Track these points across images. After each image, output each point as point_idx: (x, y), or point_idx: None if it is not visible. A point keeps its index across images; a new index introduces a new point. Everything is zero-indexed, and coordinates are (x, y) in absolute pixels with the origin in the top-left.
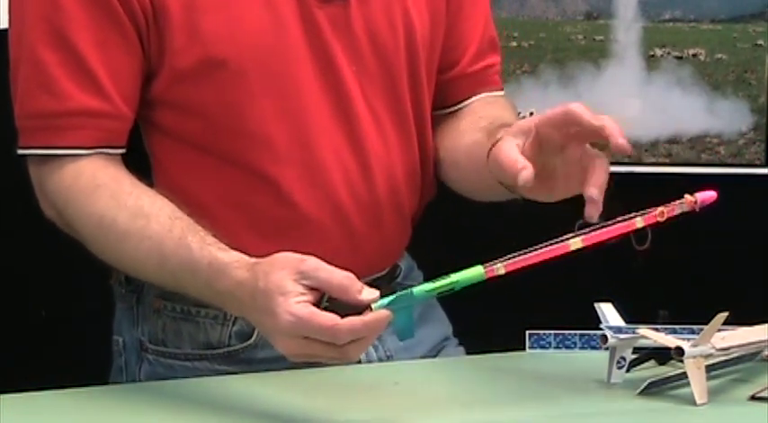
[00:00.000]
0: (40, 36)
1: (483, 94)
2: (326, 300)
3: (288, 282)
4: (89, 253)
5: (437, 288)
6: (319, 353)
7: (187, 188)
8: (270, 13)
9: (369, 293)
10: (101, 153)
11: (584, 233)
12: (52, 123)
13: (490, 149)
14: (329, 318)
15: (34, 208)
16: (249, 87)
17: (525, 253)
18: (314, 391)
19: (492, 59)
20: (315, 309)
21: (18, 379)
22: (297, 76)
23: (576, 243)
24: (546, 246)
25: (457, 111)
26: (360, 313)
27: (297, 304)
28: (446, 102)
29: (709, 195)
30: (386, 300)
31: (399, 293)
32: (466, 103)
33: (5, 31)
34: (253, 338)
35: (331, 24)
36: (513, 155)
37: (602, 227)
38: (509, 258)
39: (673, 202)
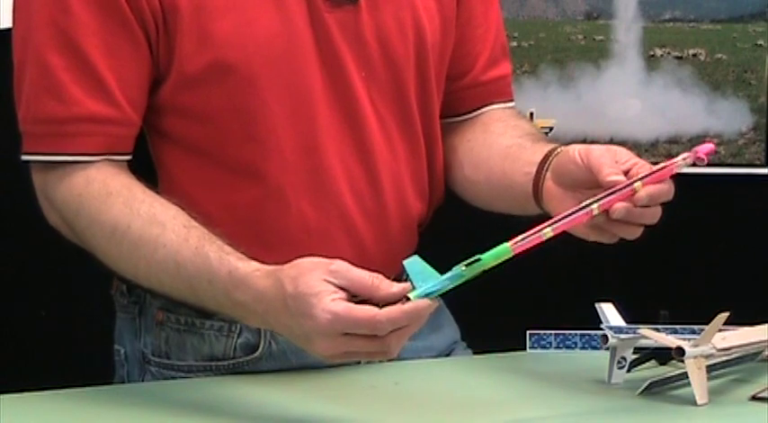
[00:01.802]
0: (48, 40)
1: (499, 105)
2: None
3: (319, 282)
4: (89, 253)
5: (464, 264)
6: (360, 348)
7: (193, 198)
8: (280, 18)
9: (400, 286)
10: (108, 160)
11: (596, 200)
12: (59, 129)
13: (554, 153)
14: (367, 310)
15: (34, 209)
16: (259, 93)
17: (547, 224)
18: (315, 392)
19: (505, 68)
20: (350, 304)
21: (18, 379)
22: (306, 81)
23: (596, 209)
24: (569, 213)
25: (471, 118)
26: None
27: (332, 302)
28: (459, 109)
29: (706, 147)
30: (420, 289)
31: (432, 283)
32: (481, 111)
33: (9, 30)
34: (258, 351)
35: (341, 29)
36: (608, 159)
37: (610, 194)
38: (532, 232)
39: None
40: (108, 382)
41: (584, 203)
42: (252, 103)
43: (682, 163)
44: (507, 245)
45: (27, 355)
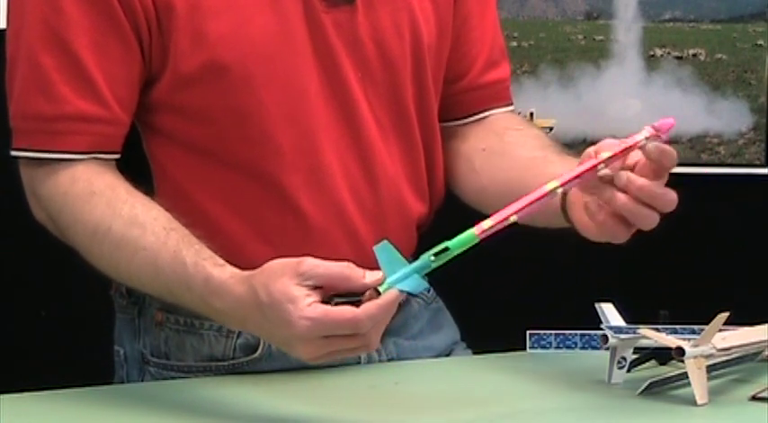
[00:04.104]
0: (39, 38)
1: (500, 110)
2: (333, 302)
3: (291, 287)
4: None
5: (432, 253)
6: (342, 346)
7: (191, 195)
8: (276, 18)
9: (372, 276)
10: (95, 158)
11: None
12: (47, 127)
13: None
14: (345, 310)
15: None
16: (255, 92)
17: (507, 206)
18: (314, 392)
19: (503, 71)
20: (327, 307)
21: (18, 379)
22: (302, 81)
23: (551, 184)
24: (524, 195)
25: (474, 123)
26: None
27: (308, 307)
28: (458, 113)
29: (666, 122)
30: (390, 279)
31: (401, 273)
32: (481, 115)
33: (5, 31)
34: (258, 352)
35: (337, 30)
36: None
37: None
38: (493, 213)
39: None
40: (108, 383)
41: (546, 186)
42: (248, 102)
43: (644, 142)
44: (473, 232)
45: (27, 355)
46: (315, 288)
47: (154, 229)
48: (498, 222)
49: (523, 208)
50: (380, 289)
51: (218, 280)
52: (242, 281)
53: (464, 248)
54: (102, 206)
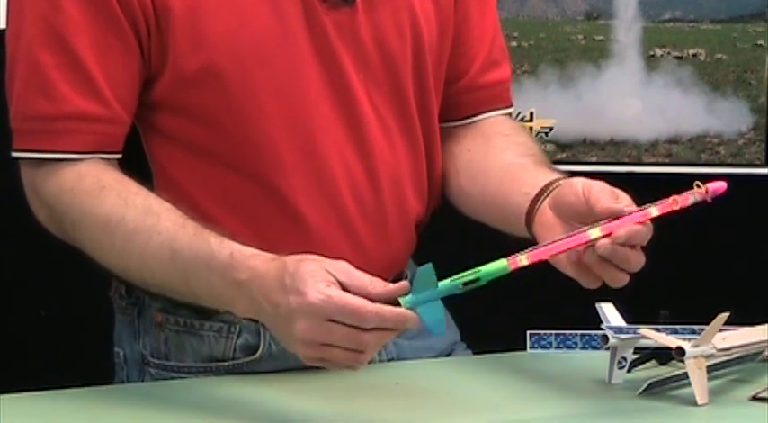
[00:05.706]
0: (39, 37)
1: (498, 112)
2: None
3: (320, 269)
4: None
5: (462, 278)
6: (339, 340)
7: (190, 194)
8: (276, 19)
9: (398, 284)
10: (97, 158)
11: (603, 223)
12: (48, 127)
13: (558, 181)
14: (358, 299)
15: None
16: (254, 94)
17: (546, 244)
18: (314, 392)
19: (503, 72)
20: (343, 291)
21: (18, 379)
22: (303, 83)
23: (594, 232)
24: (566, 237)
25: (470, 125)
26: None
27: (326, 287)
28: (457, 114)
29: (719, 185)
30: (410, 298)
31: (427, 295)
32: (479, 118)
33: (4, 31)
34: (258, 352)
35: (338, 31)
36: (608, 193)
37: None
38: (531, 249)
39: (685, 192)
40: (108, 383)
41: (588, 233)
42: (247, 104)
43: (692, 201)
44: (506, 264)
45: (27, 355)
46: (339, 283)
47: (169, 216)
48: (533, 263)
49: (561, 252)
50: (402, 301)
51: (248, 252)
52: (271, 258)
53: (494, 277)
54: (113, 198)
